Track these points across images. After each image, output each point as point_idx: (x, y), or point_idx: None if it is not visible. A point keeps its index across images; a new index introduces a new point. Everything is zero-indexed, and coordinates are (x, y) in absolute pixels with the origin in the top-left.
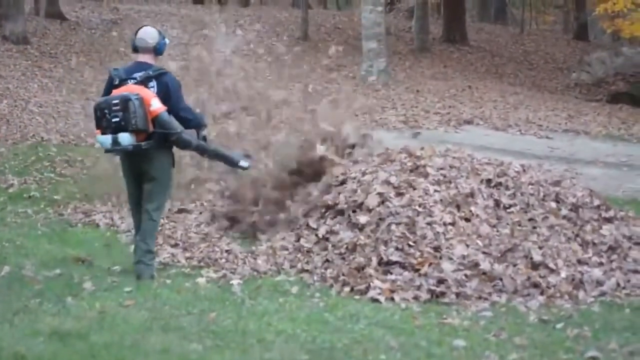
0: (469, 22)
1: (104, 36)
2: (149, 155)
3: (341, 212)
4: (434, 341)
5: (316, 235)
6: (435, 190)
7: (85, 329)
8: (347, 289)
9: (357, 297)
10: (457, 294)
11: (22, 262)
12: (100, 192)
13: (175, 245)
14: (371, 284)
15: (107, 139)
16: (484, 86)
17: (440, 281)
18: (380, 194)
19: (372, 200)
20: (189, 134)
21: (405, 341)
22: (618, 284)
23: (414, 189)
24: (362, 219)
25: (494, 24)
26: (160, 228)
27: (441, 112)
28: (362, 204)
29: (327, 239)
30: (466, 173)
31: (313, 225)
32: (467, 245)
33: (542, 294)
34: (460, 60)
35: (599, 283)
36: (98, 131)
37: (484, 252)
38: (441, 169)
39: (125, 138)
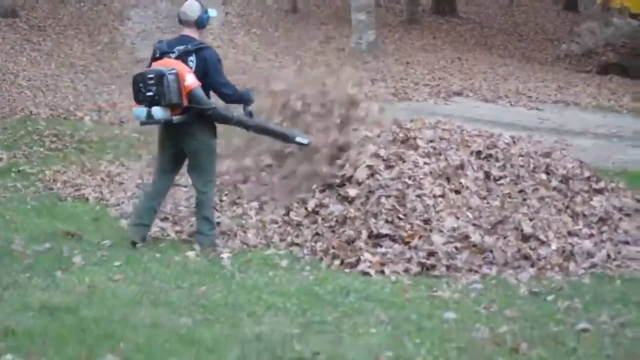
0: None
1: (93, 9)
2: (187, 128)
3: (330, 186)
4: (425, 314)
5: (305, 208)
6: (425, 163)
7: (75, 303)
8: (337, 262)
9: (347, 270)
10: (448, 267)
11: (12, 237)
12: None
13: (165, 219)
14: (361, 257)
15: (142, 111)
16: (474, 58)
17: (431, 254)
18: (369, 167)
19: (361, 173)
20: (227, 109)
21: (396, 314)
22: (609, 256)
23: (404, 161)
24: (352, 192)
25: None
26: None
27: (431, 84)
28: (351, 177)
29: (316, 212)
30: (456, 145)
31: (302, 198)
32: (457, 218)
33: (532, 266)
34: (450, 32)
35: (590, 255)
36: (135, 104)
37: (474, 225)
38: (431, 141)
39: (159, 112)
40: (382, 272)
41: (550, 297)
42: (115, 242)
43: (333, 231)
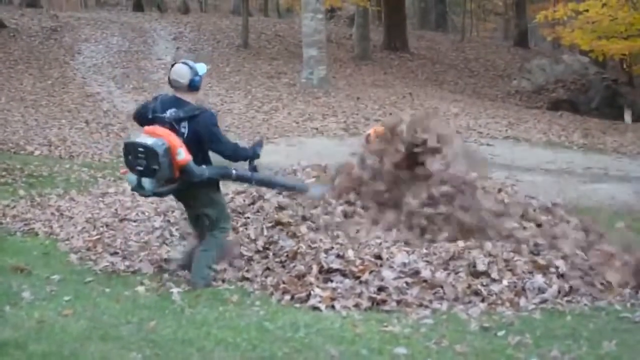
0: (409, 30)
1: (44, 44)
2: (187, 191)
3: (280, 222)
4: (375, 349)
5: (255, 244)
6: None
7: (24, 339)
8: (287, 297)
9: (297, 305)
10: (398, 302)
11: None
12: None
13: (115, 254)
14: (312, 292)
15: (134, 179)
16: (425, 93)
17: (381, 289)
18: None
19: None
20: (224, 168)
21: (346, 350)
22: (559, 291)
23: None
24: (302, 227)
25: (435, 31)
26: (99, 236)
27: (382, 119)
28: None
29: (267, 248)
30: None
31: (252, 235)
32: (408, 253)
33: (483, 301)
34: (401, 68)
35: (541, 290)
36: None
37: (425, 260)
38: None
39: (148, 184)
40: (333, 307)
41: (501, 333)
42: (64, 277)
43: (283, 266)
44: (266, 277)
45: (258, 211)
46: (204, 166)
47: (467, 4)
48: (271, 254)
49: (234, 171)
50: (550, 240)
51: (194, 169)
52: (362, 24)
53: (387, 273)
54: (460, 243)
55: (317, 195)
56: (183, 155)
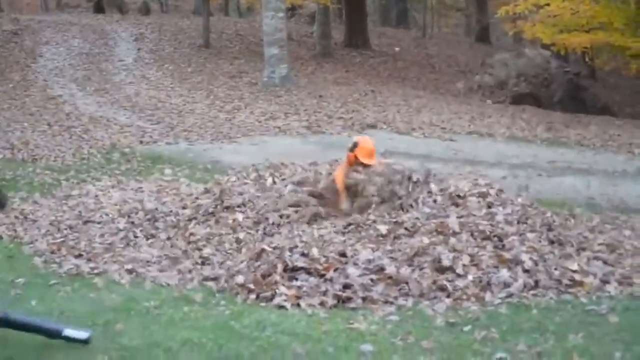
0: (370, 27)
1: (5, 47)
2: None
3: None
4: (341, 347)
5: (222, 245)
6: None
7: None
8: (252, 296)
9: (263, 304)
10: (364, 299)
11: None
12: None
13: (79, 256)
14: (277, 290)
15: None
16: (387, 90)
17: (346, 286)
18: None
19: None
20: None
21: (312, 348)
22: (525, 285)
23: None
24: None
25: (396, 28)
26: (64, 239)
27: (344, 116)
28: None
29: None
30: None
31: (217, 235)
32: (373, 250)
33: (448, 296)
34: (363, 65)
35: (506, 285)
36: None
37: (389, 257)
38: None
39: None
40: (298, 305)
41: (467, 328)
42: (29, 280)
43: (248, 265)
44: (231, 276)
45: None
46: None
47: (427, 0)
48: (236, 253)
49: None
50: (515, 234)
51: None
52: (323, 22)
53: (352, 270)
54: (425, 239)
55: (84, 337)
56: None
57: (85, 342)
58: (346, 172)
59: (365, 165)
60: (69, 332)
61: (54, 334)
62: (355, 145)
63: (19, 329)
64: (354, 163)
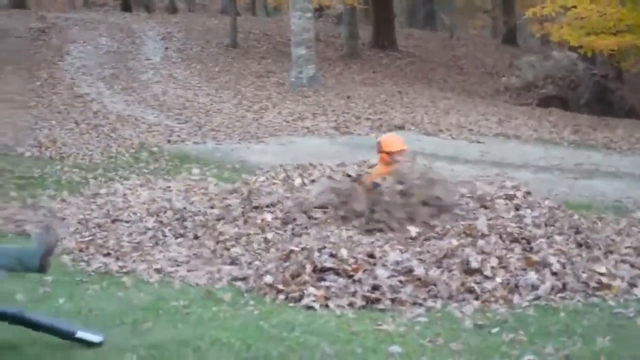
0: (398, 28)
1: (32, 45)
2: None
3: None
4: (370, 348)
5: (251, 245)
6: None
7: (17, 341)
8: (281, 296)
9: (291, 304)
10: (392, 300)
11: None
12: None
13: (108, 255)
14: (305, 291)
15: None
16: (414, 91)
17: (375, 287)
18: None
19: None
20: None
21: (341, 348)
22: (552, 288)
23: None
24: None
25: (423, 29)
26: (92, 238)
27: (372, 117)
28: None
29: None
30: None
31: (245, 234)
32: (401, 252)
33: (476, 299)
34: (390, 66)
35: (534, 287)
36: None
37: (418, 259)
38: None
39: None
40: (327, 306)
41: (495, 330)
42: (58, 278)
43: (277, 266)
44: (260, 276)
45: (252, 210)
46: None
47: (455, 1)
48: (264, 253)
49: None
50: (543, 237)
51: None
52: (351, 22)
53: (380, 272)
54: (454, 241)
55: (97, 341)
56: None
57: (98, 345)
58: (386, 172)
59: (399, 152)
60: (82, 334)
61: (68, 335)
62: (379, 144)
63: (33, 328)
64: (389, 159)
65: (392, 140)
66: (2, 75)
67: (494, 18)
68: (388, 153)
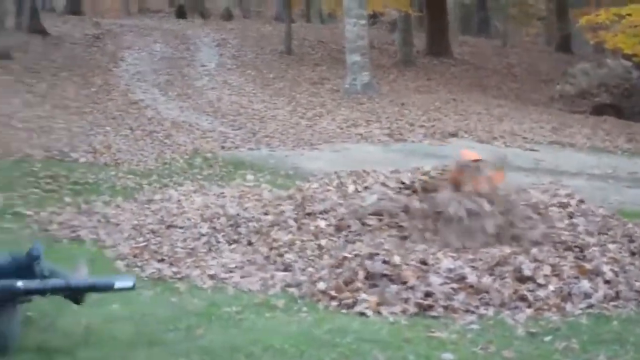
0: (452, 35)
1: (87, 51)
2: None
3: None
4: (422, 355)
5: (304, 251)
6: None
7: (72, 345)
8: (334, 303)
9: (344, 311)
10: (445, 307)
11: None
12: None
13: (161, 261)
14: (358, 297)
15: None
16: (468, 99)
17: (428, 294)
18: None
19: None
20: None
21: (393, 355)
22: (605, 296)
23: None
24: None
25: (477, 36)
26: (146, 243)
27: (426, 124)
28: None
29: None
30: None
31: (299, 242)
32: (454, 259)
33: (529, 306)
34: (444, 73)
35: (587, 295)
36: None
37: (471, 266)
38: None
39: None
40: (380, 312)
41: (547, 338)
42: None
43: (330, 272)
44: (313, 282)
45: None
46: None
47: (509, 9)
48: (317, 259)
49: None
50: (596, 245)
51: None
52: (405, 30)
53: (433, 279)
54: (506, 249)
55: (130, 285)
56: None
57: (131, 288)
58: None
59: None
60: (119, 284)
61: (108, 288)
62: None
63: (79, 292)
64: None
65: (470, 154)
66: (57, 81)
67: (548, 25)
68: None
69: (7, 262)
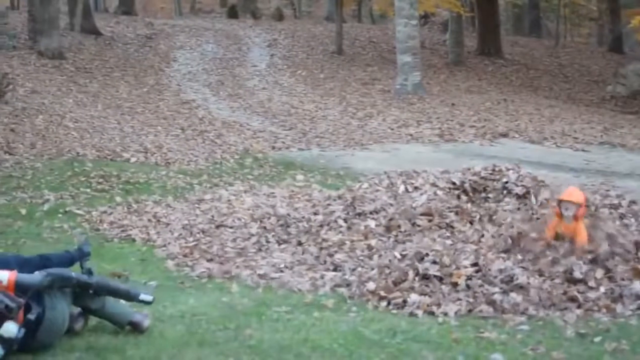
0: (503, 35)
1: (139, 51)
2: None
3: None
4: (472, 355)
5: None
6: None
7: (122, 344)
8: (383, 303)
9: (394, 311)
10: (494, 308)
11: None
12: None
13: (211, 260)
14: (408, 298)
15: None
16: (519, 99)
17: (477, 295)
18: None
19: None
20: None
21: (443, 356)
22: None
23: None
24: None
25: (529, 36)
26: (196, 243)
27: (476, 125)
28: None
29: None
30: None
31: (348, 242)
32: (504, 260)
33: (579, 307)
34: (495, 74)
35: (638, 297)
36: None
37: (521, 267)
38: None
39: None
40: (429, 313)
41: (597, 339)
42: (161, 283)
43: (380, 272)
44: (362, 282)
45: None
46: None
47: (561, 9)
48: (367, 259)
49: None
50: None
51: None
52: (456, 30)
53: (483, 279)
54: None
55: (149, 299)
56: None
57: (150, 303)
58: (556, 225)
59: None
60: (142, 297)
61: (134, 298)
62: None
63: (110, 294)
64: (560, 210)
65: (571, 191)
66: (109, 81)
67: (600, 25)
68: (560, 202)
69: (63, 257)
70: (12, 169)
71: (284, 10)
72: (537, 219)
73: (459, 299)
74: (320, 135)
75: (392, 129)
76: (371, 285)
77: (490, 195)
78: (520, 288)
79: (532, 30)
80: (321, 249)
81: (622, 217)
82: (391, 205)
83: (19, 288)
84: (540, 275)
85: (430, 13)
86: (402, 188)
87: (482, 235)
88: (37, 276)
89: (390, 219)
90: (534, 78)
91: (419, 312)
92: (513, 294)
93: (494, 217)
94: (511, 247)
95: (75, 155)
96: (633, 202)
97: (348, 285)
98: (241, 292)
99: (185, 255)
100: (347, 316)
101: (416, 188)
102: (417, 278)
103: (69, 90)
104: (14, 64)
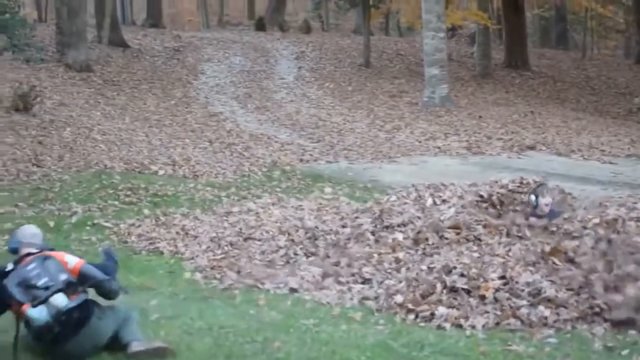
0: (530, 48)
1: (167, 64)
2: None
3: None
4: None
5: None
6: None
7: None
8: (411, 316)
9: (422, 324)
10: (522, 321)
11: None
12: None
13: (239, 272)
14: (436, 311)
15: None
16: (547, 111)
17: (505, 308)
18: None
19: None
20: None
21: None
22: None
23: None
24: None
25: (556, 49)
26: (224, 255)
27: (504, 137)
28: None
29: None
30: None
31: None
32: (532, 273)
33: (606, 320)
34: (523, 86)
35: None
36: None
37: (549, 280)
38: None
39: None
40: (457, 325)
41: (625, 352)
42: (189, 296)
43: (407, 285)
44: (390, 295)
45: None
46: None
47: (588, 21)
48: (395, 272)
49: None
50: None
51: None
52: (483, 43)
53: (511, 292)
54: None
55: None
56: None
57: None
58: None
59: None
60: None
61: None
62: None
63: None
64: None
65: None
66: (137, 93)
67: (627, 38)
68: None
69: (101, 265)
70: (40, 182)
71: (311, 22)
72: (563, 233)
73: (487, 312)
74: (348, 148)
75: (420, 142)
76: (399, 298)
77: (517, 208)
78: (548, 301)
79: (559, 42)
80: (349, 261)
81: None
82: (419, 218)
83: (82, 275)
84: (569, 288)
85: (457, 26)
86: (429, 201)
87: (510, 249)
88: (100, 273)
89: (418, 232)
90: (561, 90)
91: (447, 325)
92: (541, 307)
93: (522, 230)
94: (539, 260)
95: (103, 167)
96: None
97: (376, 298)
98: (269, 304)
99: (213, 268)
100: (374, 329)
101: (444, 201)
102: (444, 291)
103: (97, 102)
104: (41, 77)
